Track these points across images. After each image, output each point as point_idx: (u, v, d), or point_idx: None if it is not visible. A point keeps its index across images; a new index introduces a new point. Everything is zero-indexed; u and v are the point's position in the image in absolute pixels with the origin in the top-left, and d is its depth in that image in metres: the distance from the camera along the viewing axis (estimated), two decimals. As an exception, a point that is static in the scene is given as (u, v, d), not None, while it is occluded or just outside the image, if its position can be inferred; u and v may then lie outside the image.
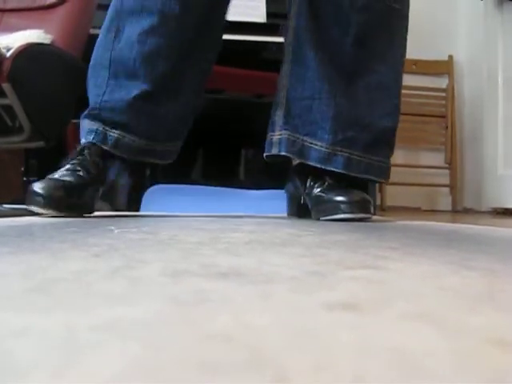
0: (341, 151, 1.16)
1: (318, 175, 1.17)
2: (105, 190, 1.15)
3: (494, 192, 2.49)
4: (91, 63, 1.19)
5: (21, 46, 1.46)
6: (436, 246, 0.60)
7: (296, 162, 1.22)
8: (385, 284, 0.31)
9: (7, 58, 1.41)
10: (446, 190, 2.87)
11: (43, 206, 0.99)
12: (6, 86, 1.41)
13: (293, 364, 0.16)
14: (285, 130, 1.18)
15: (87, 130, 1.15)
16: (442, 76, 2.90)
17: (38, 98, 1.54)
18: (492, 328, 0.21)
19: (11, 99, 1.44)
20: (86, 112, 1.17)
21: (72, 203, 1.03)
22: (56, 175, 1.06)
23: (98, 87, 1.15)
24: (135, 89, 1.14)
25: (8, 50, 1.43)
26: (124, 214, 1.24)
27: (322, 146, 1.16)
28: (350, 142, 1.16)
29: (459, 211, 2.78)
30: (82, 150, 1.13)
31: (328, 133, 1.16)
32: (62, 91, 1.66)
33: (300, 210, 1.29)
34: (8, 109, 1.50)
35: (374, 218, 1.21)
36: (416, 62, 2.85)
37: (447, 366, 0.16)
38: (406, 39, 1.23)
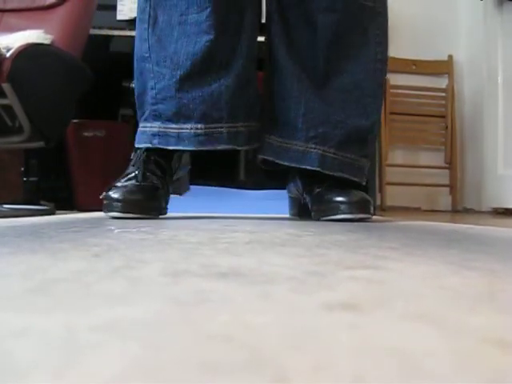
0: (314, 148, 1.15)
1: (318, 175, 1.17)
2: (174, 185, 1.18)
3: (494, 192, 2.49)
4: (134, 62, 1.17)
5: (21, 46, 1.46)
6: (436, 246, 0.60)
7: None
8: (385, 284, 0.31)
9: (7, 58, 1.41)
10: (446, 190, 2.87)
11: (122, 211, 1.02)
12: (6, 86, 1.41)
13: (293, 364, 0.16)
14: (264, 132, 1.19)
15: (150, 133, 1.13)
16: (442, 76, 2.90)
17: (38, 98, 1.54)
18: (492, 328, 0.21)
19: (11, 99, 1.44)
20: (146, 115, 1.15)
21: (148, 205, 1.07)
22: (126, 182, 1.08)
23: (149, 80, 1.13)
24: (181, 69, 1.10)
25: (8, 50, 1.43)
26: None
27: (296, 145, 1.16)
28: (323, 138, 1.15)
29: (459, 211, 2.78)
30: (145, 153, 1.13)
31: (300, 130, 1.16)
32: (62, 91, 1.65)
33: (301, 211, 1.30)
34: (8, 109, 1.50)
35: (374, 218, 1.21)
36: (416, 62, 2.86)
37: (447, 366, 0.16)
38: (382, 36, 1.20)
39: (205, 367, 0.16)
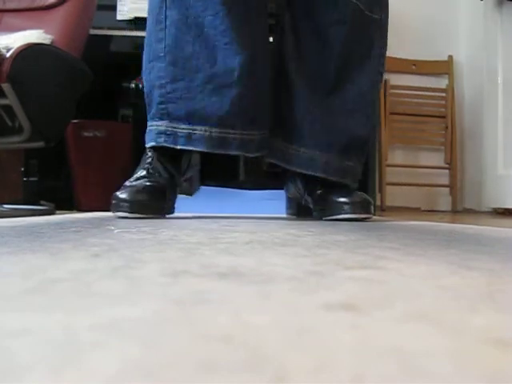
0: (320, 155, 1.19)
1: (319, 178, 1.20)
2: (183, 185, 1.19)
3: (494, 192, 2.49)
4: (144, 62, 1.16)
5: (20, 46, 1.46)
6: (436, 246, 0.60)
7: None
8: (385, 284, 0.31)
9: (7, 58, 1.41)
10: (446, 190, 2.87)
11: (129, 211, 1.04)
12: (6, 86, 1.41)
13: (292, 364, 0.16)
14: (273, 137, 1.21)
15: (156, 131, 1.13)
16: (442, 76, 2.90)
17: (38, 98, 1.54)
18: (492, 328, 0.21)
19: (11, 99, 1.44)
20: (152, 113, 1.14)
21: (155, 205, 1.08)
22: (134, 182, 1.09)
23: (159, 79, 1.13)
24: (199, 71, 1.10)
25: (8, 50, 1.43)
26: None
27: (304, 152, 1.19)
28: (328, 146, 1.19)
29: (459, 211, 2.78)
30: (153, 153, 1.14)
31: (307, 138, 1.19)
32: (62, 91, 1.65)
33: (300, 210, 1.31)
34: (8, 109, 1.50)
35: (374, 218, 1.22)
36: (416, 63, 2.85)
37: (447, 366, 0.16)
38: (384, 49, 1.24)
39: (204, 367, 0.16)
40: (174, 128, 1.11)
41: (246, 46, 1.12)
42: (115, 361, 0.16)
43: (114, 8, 2.21)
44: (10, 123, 1.55)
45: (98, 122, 2.17)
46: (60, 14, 1.76)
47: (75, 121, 2.00)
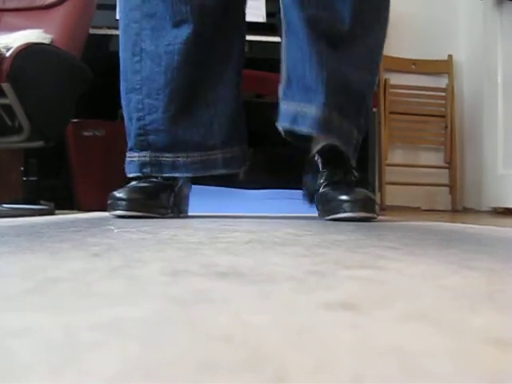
0: (335, 117, 1.11)
1: (327, 170, 1.17)
2: (176, 192, 1.20)
3: (494, 191, 2.49)
4: (122, 93, 1.20)
5: (20, 46, 1.46)
6: (436, 246, 0.59)
7: (313, 152, 1.21)
8: (384, 284, 0.31)
9: (7, 58, 1.41)
10: (446, 189, 2.87)
11: (125, 209, 1.07)
12: (6, 86, 1.41)
13: (292, 363, 0.16)
14: (283, 100, 1.15)
15: (139, 162, 1.17)
16: (442, 76, 2.90)
17: (38, 98, 1.54)
18: (492, 328, 0.21)
19: (11, 99, 1.44)
20: (131, 144, 1.18)
21: (149, 204, 1.11)
22: (130, 184, 1.14)
23: (136, 112, 1.16)
24: (172, 102, 1.15)
25: (7, 50, 1.43)
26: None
27: (317, 111, 1.10)
28: (341, 107, 1.12)
29: (459, 211, 2.78)
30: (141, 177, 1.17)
31: (320, 93, 1.10)
32: (62, 91, 1.65)
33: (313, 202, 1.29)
34: (7, 108, 1.50)
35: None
36: (415, 62, 2.85)
37: (447, 366, 0.16)
38: (387, 11, 1.20)
39: (204, 367, 0.16)
40: (158, 157, 1.16)
41: (218, 71, 1.18)
42: (115, 361, 0.16)
43: (113, 7, 2.21)
44: (9, 123, 1.55)
45: (98, 122, 2.17)
46: (60, 13, 1.76)
47: (75, 120, 2.00)
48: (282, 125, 1.14)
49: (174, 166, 1.17)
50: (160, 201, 1.15)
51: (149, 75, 1.15)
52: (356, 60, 1.15)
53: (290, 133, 1.16)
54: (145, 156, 1.16)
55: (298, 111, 1.12)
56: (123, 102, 1.20)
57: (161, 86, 1.15)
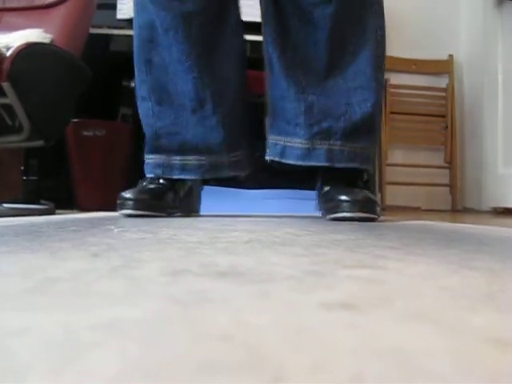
0: (320, 144, 1.16)
1: (327, 174, 1.18)
2: (184, 194, 1.28)
3: (494, 191, 2.49)
4: (137, 99, 1.28)
5: (20, 46, 1.46)
6: (436, 246, 0.59)
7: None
8: (384, 283, 0.31)
9: (7, 58, 1.41)
10: (446, 189, 2.87)
11: (132, 208, 1.15)
12: (6, 85, 1.41)
13: (292, 363, 0.16)
14: (270, 133, 1.23)
15: (153, 164, 1.25)
16: (442, 75, 2.90)
17: (38, 97, 1.54)
18: (492, 328, 0.21)
19: (11, 98, 1.44)
20: (147, 147, 1.27)
21: (154, 204, 1.19)
22: (138, 186, 1.23)
23: (147, 117, 1.25)
24: (181, 106, 1.22)
25: (8, 50, 1.43)
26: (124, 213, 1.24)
27: (300, 143, 1.17)
28: (328, 133, 1.16)
29: (459, 211, 2.78)
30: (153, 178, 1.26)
31: (303, 128, 1.17)
32: (62, 90, 1.65)
33: None
34: (8, 108, 1.50)
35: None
36: (416, 62, 2.85)
37: (447, 366, 0.16)
38: (382, 30, 1.18)
39: (204, 366, 0.16)
40: (169, 160, 1.24)
41: (220, 75, 1.23)
42: (115, 361, 0.16)
43: (114, 7, 2.21)
44: (9, 122, 1.55)
45: (98, 122, 2.17)
46: (60, 13, 1.76)
47: (75, 120, 2.00)
48: (271, 158, 1.22)
49: (183, 169, 1.24)
50: (165, 201, 1.21)
51: (157, 85, 1.23)
52: (343, 85, 1.17)
53: (278, 162, 1.24)
54: (158, 158, 1.25)
55: (284, 145, 1.20)
56: (138, 106, 1.28)
57: (168, 92, 1.22)
